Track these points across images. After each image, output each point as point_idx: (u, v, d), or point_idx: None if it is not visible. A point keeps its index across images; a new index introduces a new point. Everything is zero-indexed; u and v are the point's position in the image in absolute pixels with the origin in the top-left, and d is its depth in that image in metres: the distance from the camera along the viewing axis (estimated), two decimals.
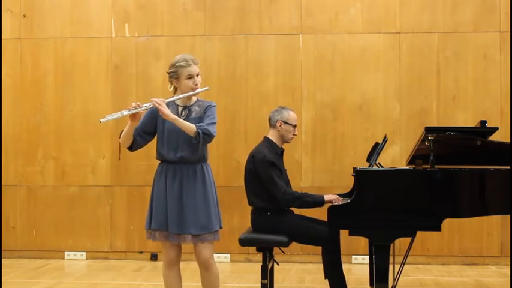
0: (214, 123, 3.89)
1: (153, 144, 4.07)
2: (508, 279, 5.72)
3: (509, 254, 6.32)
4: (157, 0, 6.87)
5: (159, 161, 4.01)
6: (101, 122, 3.78)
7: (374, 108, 6.62)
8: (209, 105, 3.96)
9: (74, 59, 6.93)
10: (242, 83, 6.75)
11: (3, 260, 6.47)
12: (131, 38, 6.87)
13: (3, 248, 6.68)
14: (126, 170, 6.81)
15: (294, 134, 4.83)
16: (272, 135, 4.81)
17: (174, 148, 3.90)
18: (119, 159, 4.27)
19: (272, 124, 4.80)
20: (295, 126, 4.80)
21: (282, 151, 4.83)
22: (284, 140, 4.81)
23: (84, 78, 6.90)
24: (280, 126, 4.76)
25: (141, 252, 6.82)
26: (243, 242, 4.57)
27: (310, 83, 6.69)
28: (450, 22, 6.59)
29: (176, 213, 3.85)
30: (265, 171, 4.59)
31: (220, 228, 4.01)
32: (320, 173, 6.63)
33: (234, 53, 6.75)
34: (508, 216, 5.73)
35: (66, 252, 6.87)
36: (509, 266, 6.16)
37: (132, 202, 6.82)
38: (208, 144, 3.95)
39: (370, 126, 6.60)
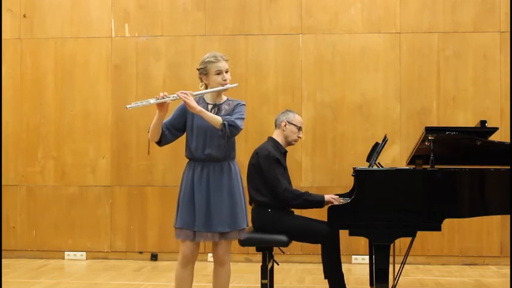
0: (243, 118, 3.89)
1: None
2: (508, 279, 5.72)
3: (509, 254, 6.32)
4: (157, 0, 6.87)
5: (188, 159, 4.02)
6: (127, 108, 3.80)
7: (374, 108, 6.62)
8: (238, 104, 3.98)
9: (74, 59, 6.93)
10: (242, 83, 6.73)
11: (3, 260, 6.48)
12: (131, 38, 6.87)
13: (3, 248, 6.68)
14: (126, 170, 6.82)
15: (298, 137, 4.88)
16: (277, 136, 4.86)
17: (202, 145, 3.91)
18: (148, 153, 4.32)
19: (277, 124, 4.87)
20: (299, 128, 4.86)
21: (285, 152, 4.86)
22: (288, 141, 4.85)
23: (84, 78, 6.90)
24: (285, 126, 4.81)
25: (141, 252, 6.82)
26: (243, 242, 4.55)
27: (310, 83, 6.69)
28: (450, 22, 6.59)
29: (204, 211, 3.86)
30: (268, 167, 4.61)
31: (247, 226, 4.02)
32: (320, 173, 6.63)
33: (234, 53, 6.74)
34: (508, 216, 5.73)
35: (66, 252, 6.87)
36: (509, 266, 6.16)
37: (132, 202, 6.83)
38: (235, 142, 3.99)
39: (370, 126, 6.60)
